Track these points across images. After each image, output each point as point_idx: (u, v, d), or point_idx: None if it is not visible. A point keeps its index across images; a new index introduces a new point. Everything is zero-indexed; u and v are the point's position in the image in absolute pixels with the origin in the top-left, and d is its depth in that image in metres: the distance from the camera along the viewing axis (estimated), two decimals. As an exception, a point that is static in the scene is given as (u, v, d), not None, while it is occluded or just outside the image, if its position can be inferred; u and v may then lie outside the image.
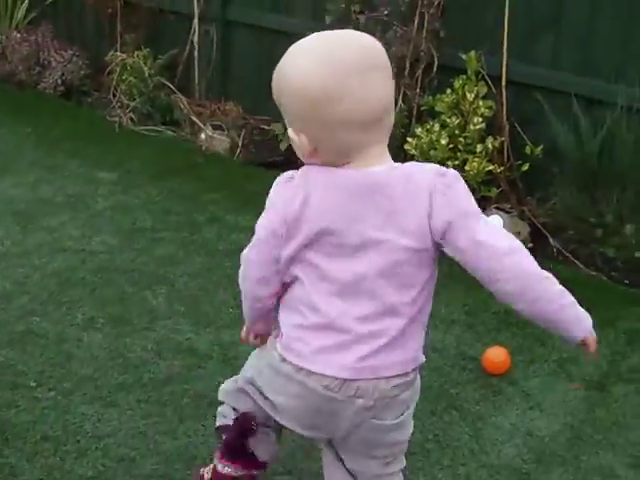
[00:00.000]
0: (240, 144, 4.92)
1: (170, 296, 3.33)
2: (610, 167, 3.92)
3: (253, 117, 5.27)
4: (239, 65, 5.36)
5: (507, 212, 4.13)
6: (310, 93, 1.63)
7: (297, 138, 1.69)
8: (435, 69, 4.41)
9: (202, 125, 5.00)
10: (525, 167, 4.11)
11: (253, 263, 1.86)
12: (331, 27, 4.65)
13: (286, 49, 1.75)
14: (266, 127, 5.16)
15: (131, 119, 5.19)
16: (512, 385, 2.95)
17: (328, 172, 1.71)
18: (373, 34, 1.80)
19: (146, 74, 5.17)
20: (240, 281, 1.94)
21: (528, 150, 4.08)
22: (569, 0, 4.10)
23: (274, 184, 1.79)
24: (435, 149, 4.11)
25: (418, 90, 4.44)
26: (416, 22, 4.41)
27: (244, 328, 2.07)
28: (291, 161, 4.96)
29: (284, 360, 1.81)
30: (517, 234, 4.03)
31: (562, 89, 4.12)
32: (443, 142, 4.08)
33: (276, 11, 5.05)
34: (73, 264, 3.51)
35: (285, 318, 1.85)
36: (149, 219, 3.97)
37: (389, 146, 1.77)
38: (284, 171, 1.80)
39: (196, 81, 5.39)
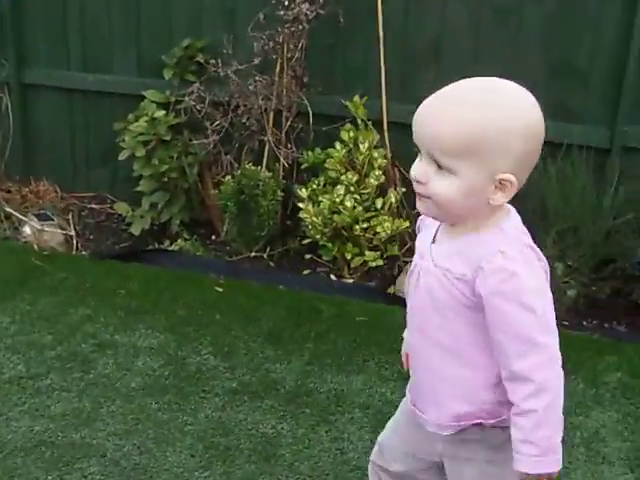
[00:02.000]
0: (74, 233, 4.09)
1: (108, 474, 2.54)
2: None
3: (72, 195, 4.46)
4: (45, 135, 4.50)
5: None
6: (539, 134, 1.60)
7: (516, 181, 1.58)
8: (311, 120, 3.87)
9: (23, 217, 4.10)
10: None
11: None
12: (169, 84, 3.96)
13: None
14: (95, 206, 4.38)
15: None
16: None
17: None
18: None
19: None
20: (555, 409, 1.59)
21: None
22: (448, 27, 3.74)
23: (519, 279, 1.55)
24: (338, 213, 3.58)
25: (291, 146, 3.88)
26: (277, 69, 3.85)
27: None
28: (143, 248, 4.24)
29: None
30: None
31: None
32: (349, 204, 3.56)
33: (88, 70, 4.24)
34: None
35: None
36: (19, 361, 3.08)
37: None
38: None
39: (-7, 161, 4.48)
